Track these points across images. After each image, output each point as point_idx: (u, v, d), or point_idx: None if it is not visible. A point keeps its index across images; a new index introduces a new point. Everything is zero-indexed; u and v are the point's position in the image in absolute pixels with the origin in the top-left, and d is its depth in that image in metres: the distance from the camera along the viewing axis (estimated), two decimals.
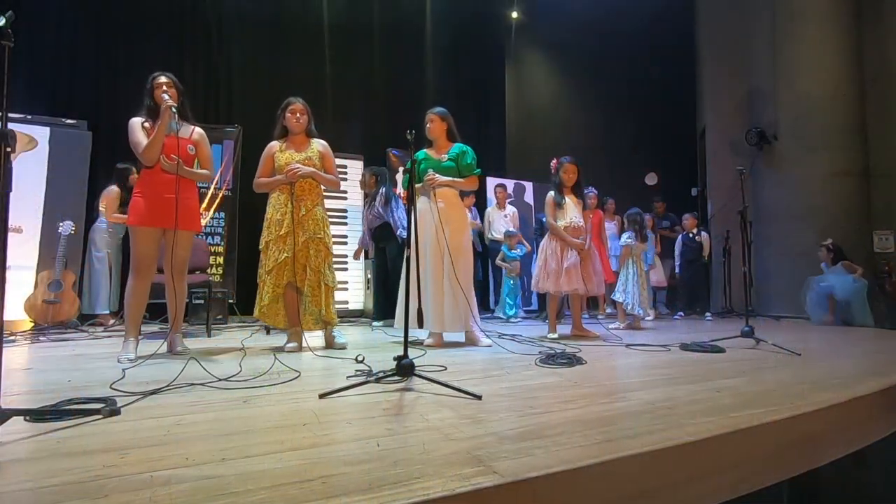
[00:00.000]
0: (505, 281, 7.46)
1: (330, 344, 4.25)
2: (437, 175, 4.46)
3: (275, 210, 4.11)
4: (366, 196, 6.73)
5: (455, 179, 4.55)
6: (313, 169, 4.19)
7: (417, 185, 4.51)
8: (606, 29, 10.73)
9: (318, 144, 4.33)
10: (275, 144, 4.25)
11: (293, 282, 4.09)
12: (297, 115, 4.24)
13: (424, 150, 4.70)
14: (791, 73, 8.29)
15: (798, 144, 8.16)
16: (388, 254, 6.47)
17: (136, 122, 3.74)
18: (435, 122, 4.63)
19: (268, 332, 5.32)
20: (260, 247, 4.14)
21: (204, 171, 4.01)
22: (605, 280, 6.16)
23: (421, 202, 4.44)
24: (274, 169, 4.20)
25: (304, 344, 4.10)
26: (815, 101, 8.04)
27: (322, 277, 4.13)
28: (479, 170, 4.69)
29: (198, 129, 3.98)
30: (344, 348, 4.19)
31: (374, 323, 6.52)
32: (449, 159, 4.58)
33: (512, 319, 7.12)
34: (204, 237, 7.11)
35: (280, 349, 4.02)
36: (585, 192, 7.69)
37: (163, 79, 3.78)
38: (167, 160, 3.71)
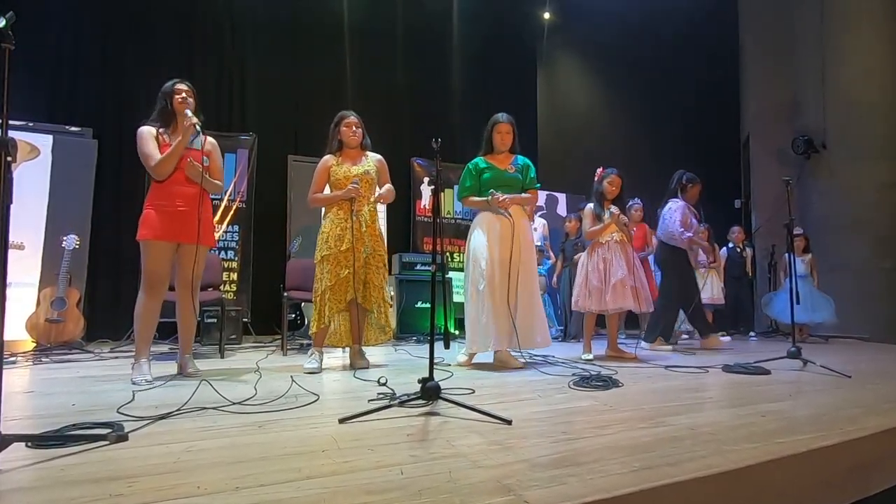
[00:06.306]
0: None
1: (356, 362, 4.39)
2: (502, 196, 4.44)
3: (334, 225, 4.26)
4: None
5: (523, 196, 4.60)
6: (379, 193, 4.42)
7: (478, 199, 4.57)
8: (644, 31, 10.64)
9: (374, 158, 4.52)
10: (329, 158, 4.42)
11: (354, 298, 4.27)
12: (354, 128, 4.44)
13: (484, 159, 4.68)
14: (840, 79, 8.25)
15: (848, 153, 8.10)
16: None
17: (148, 132, 3.75)
18: (510, 133, 4.65)
19: (284, 353, 5.35)
20: (315, 260, 4.30)
21: (218, 182, 4.04)
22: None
23: (488, 217, 4.51)
24: (329, 183, 4.37)
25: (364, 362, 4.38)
26: (865, 108, 7.99)
27: (384, 294, 4.40)
28: (539, 183, 4.79)
29: (210, 139, 3.98)
30: (366, 368, 4.30)
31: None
32: (516, 171, 4.64)
33: None
34: (217, 252, 7.14)
35: (297, 371, 4.00)
36: (630, 203, 7.64)
37: (182, 86, 3.83)
38: (194, 163, 3.73)
